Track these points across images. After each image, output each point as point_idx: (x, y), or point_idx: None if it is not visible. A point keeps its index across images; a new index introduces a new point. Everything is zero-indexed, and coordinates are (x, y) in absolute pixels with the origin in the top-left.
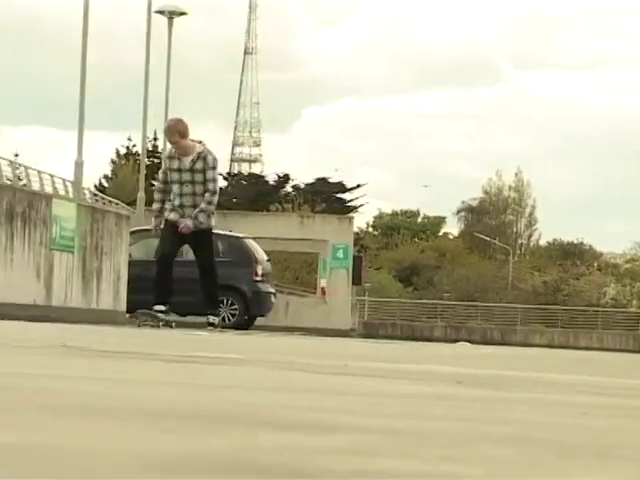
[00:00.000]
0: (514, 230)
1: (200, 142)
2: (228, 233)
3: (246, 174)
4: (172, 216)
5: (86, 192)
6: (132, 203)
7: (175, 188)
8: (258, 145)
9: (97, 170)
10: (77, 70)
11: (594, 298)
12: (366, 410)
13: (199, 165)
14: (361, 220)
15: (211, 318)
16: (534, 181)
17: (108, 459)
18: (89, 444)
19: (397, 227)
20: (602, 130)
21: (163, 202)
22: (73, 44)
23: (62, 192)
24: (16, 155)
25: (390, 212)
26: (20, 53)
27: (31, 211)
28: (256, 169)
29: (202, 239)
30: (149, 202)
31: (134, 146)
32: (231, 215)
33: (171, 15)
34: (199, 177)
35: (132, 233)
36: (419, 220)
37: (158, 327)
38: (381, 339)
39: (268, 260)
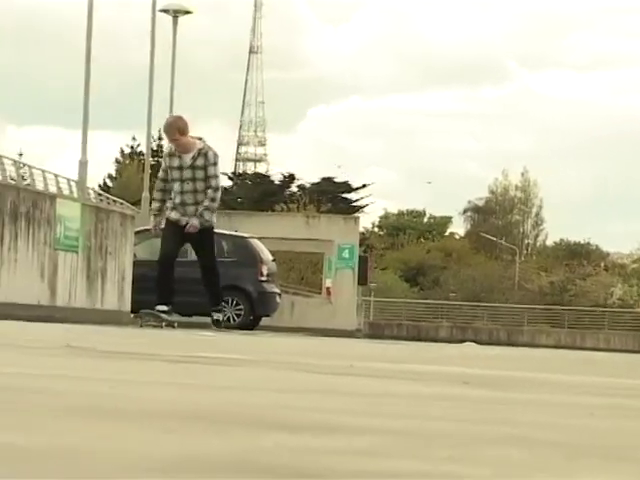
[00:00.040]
0: (520, 230)
1: (200, 139)
2: (233, 233)
3: (251, 174)
4: (173, 215)
5: (90, 192)
6: (137, 203)
7: (176, 186)
8: (263, 144)
9: (101, 170)
10: (81, 69)
11: (601, 298)
12: (371, 411)
13: (200, 162)
14: (367, 220)
15: (215, 315)
16: (540, 181)
17: (110, 459)
18: (91, 444)
19: (403, 227)
20: (610, 129)
21: (163, 201)
22: (77, 43)
23: (66, 192)
24: (20, 154)
25: (396, 212)
26: (23, 52)
27: (35, 211)
28: (261, 169)
29: (204, 238)
30: None
31: (138, 145)
32: (236, 215)
33: (176, 14)
34: (200, 174)
35: (137, 233)
36: (425, 220)
37: (161, 327)
38: (387, 339)
39: (273, 260)
